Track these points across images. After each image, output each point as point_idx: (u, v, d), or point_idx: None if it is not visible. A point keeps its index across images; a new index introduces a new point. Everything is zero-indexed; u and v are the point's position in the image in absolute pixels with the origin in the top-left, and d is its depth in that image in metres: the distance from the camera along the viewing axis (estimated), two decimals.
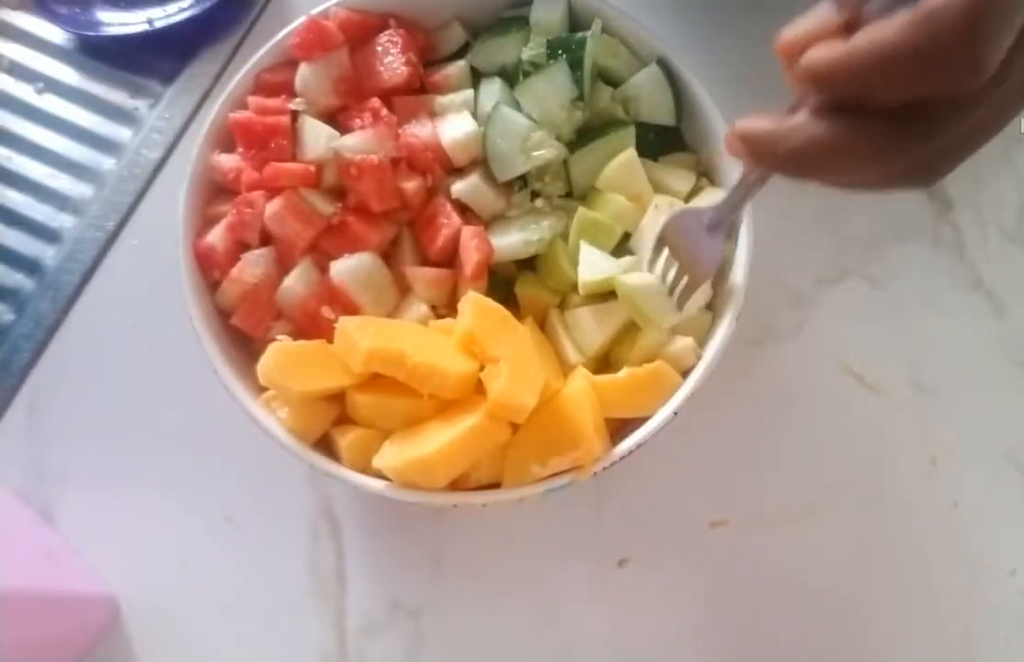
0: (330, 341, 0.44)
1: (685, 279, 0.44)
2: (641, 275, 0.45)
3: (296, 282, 0.47)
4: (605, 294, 0.47)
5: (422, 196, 0.49)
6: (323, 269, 0.47)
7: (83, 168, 0.60)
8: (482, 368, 0.42)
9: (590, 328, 0.46)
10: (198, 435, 0.53)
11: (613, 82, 0.51)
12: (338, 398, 0.45)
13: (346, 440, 0.44)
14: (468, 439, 0.41)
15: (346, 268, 0.46)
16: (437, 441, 0.41)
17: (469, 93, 0.51)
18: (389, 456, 0.42)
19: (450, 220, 0.48)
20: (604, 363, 0.47)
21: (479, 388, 0.43)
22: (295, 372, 0.43)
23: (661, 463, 0.51)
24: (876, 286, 0.57)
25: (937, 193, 0.60)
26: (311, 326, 0.46)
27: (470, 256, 0.46)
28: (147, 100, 0.62)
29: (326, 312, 0.46)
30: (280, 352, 0.43)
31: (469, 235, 0.47)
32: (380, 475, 0.42)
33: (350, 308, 0.46)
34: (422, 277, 0.47)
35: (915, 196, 0.60)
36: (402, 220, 0.49)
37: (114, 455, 0.53)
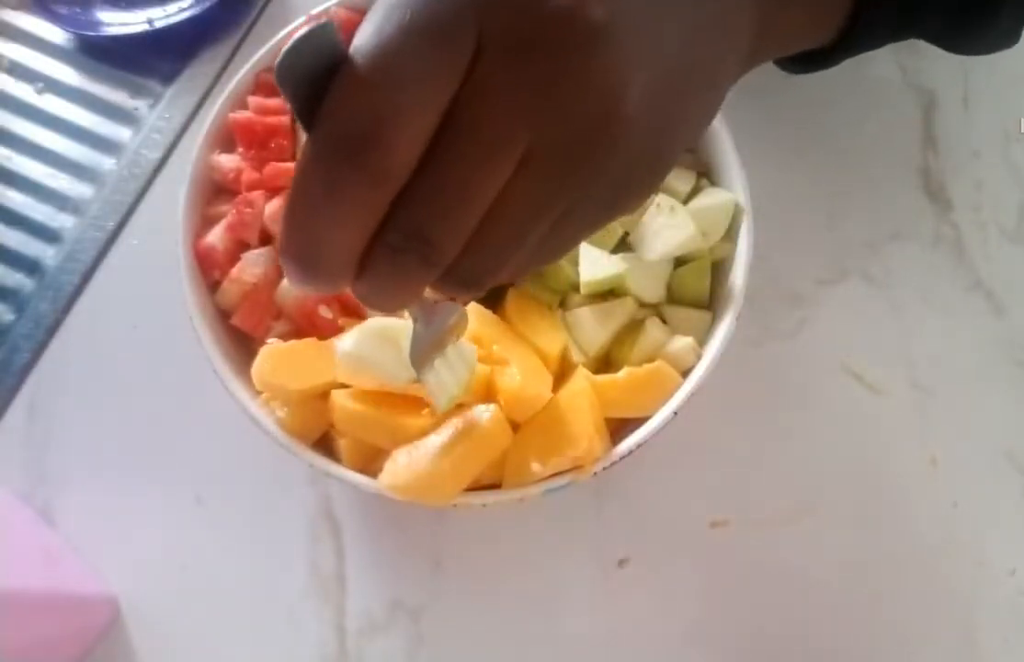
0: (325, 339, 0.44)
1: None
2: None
3: None
4: (605, 294, 0.47)
5: None
6: None
7: (83, 168, 0.60)
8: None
9: (591, 328, 0.46)
10: (197, 435, 0.52)
11: None
12: None
13: (346, 440, 0.44)
14: (478, 448, 0.40)
15: None
16: (445, 456, 0.40)
17: None
18: (393, 475, 0.41)
19: None
20: (604, 363, 0.47)
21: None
22: (289, 371, 0.43)
23: (661, 463, 0.51)
24: (876, 286, 0.57)
25: (937, 193, 0.60)
26: (310, 326, 0.46)
27: None
28: (147, 100, 0.62)
29: (324, 312, 0.46)
30: (271, 354, 0.43)
31: None
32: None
33: (350, 308, 0.46)
34: None
35: (915, 196, 0.60)
36: None
37: (114, 455, 0.53)
